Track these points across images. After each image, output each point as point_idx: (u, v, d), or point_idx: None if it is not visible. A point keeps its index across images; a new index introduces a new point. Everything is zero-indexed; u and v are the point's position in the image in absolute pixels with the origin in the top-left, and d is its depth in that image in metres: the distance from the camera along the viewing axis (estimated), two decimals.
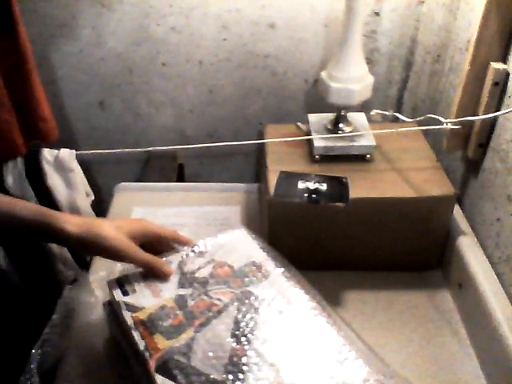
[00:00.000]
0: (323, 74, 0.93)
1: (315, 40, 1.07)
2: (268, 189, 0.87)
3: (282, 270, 0.67)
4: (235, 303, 0.60)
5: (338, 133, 0.96)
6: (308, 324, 0.60)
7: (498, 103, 0.81)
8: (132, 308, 0.61)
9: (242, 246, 0.71)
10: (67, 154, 1.03)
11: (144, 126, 1.19)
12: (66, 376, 0.70)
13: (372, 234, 0.90)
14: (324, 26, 1.05)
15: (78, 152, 1.05)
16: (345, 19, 0.85)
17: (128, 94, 1.14)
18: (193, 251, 0.70)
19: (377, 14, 1.03)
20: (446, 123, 0.87)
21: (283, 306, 0.61)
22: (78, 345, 0.73)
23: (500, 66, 0.79)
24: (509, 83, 0.79)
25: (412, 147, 0.98)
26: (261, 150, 1.05)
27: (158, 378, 0.52)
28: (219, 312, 0.59)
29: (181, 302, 0.61)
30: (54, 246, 1.03)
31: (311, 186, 0.87)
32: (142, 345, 0.56)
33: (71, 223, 0.61)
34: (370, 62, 1.08)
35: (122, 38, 1.06)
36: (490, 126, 0.84)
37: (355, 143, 0.94)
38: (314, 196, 0.85)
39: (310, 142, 0.97)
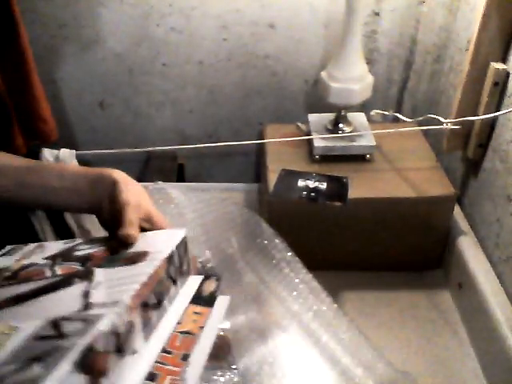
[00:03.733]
0: (323, 74, 0.93)
1: (315, 40, 1.07)
2: (268, 188, 0.87)
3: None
4: (76, 279, 0.45)
5: (338, 133, 0.96)
6: None
7: (498, 103, 0.81)
8: None
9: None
10: (67, 154, 1.03)
11: (144, 125, 1.19)
12: None
13: (372, 234, 0.90)
14: (324, 26, 1.05)
15: (78, 152, 1.05)
16: (345, 19, 0.85)
17: (128, 93, 1.14)
18: None
19: (377, 14, 1.03)
20: (446, 123, 0.87)
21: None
22: None
23: (500, 66, 0.79)
24: (509, 83, 0.79)
25: (412, 147, 0.98)
26: (261, 150, 1.05)
27: None
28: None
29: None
30: None
31: (311, 184, 0.87)
32: None
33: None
34: (369, 62, 1.08)
35: (122, 38, 1.06)
36: (490, 126, 0.84)
37: (355, 143, 0.94)
38: (312, 194, 0.85)
39: (310, 141, 0.97)
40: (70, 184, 0.55)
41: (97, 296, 0.40)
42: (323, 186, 0.86)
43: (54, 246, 0.54)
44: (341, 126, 0.96)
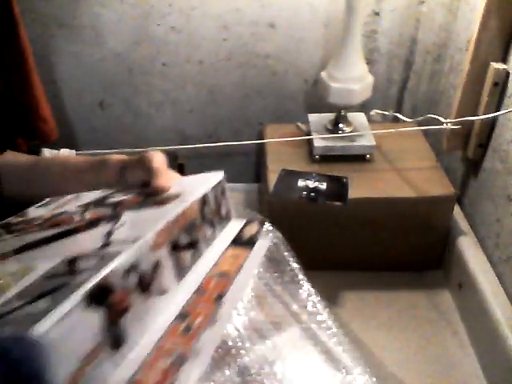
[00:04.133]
0: (323, 74, 0.93)
1: (315, 40, 1.07)
2: (268, 188, 0.87)
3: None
4: (102, 221, 0.44)
5: (338, 133, 0.96)
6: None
7: (498, 103, 0.81)
8: None
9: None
10: (67, 154, 1.03)
11: (144, 125, 1.19)
12: None
13: (372, 234, 0.90)
14: (324, 26, 1.05)
15: (78, 152, 1.05)
16: (345, 19, 0.85)
17: (128, 93, 1.14)
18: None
19: (377, 13, 1.03)
20: (446, 123, 0.87)
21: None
22: None
23: (500, 65, 0.79)
24: (509, 83, 0.79)
25: (412, 147, 0.98)
26: (261, 150, 1.05)
27: None
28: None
29: None
30: None
31: (311, 184, 0.87)
32: None
33: None
34: (370, 61, 1.08)
35: (121, 38, 1.06)
36: (490, 126, 0.84)
37: (355, 143, 0.94)
38: (312, 194, 0.85)
39: (310, 141, 0.97)
40: (72, 172, 0.55)
41: (119, 234, 0.39)
42: (323, 186, 0.86)
43: (90, 195, 0.53)
44: (341, 125, 0.96)
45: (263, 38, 1.06)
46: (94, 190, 0.54)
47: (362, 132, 0.95)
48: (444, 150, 0.92)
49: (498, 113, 0.78)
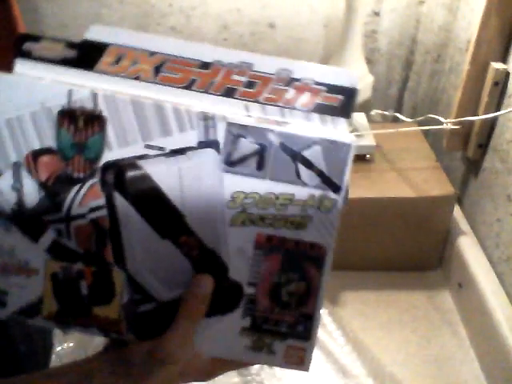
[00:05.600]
0: None
1: (315, 40, 1.07)
2: None
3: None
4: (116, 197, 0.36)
5: None
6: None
7: (498, 103, 0.81)
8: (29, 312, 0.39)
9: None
10: None
11: None
12: None
13: (372, 233, 0.90)
14: (324, 26, 1.05)
15: None
16: (345, 19, 0.85)
17: None
18: None
19: (377, 13, 1.03)
20: (446, 123, 0.87)
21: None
22: (78, 345, 0.73)
23: (500, 65, 0.79)
24: (509, 83, 0.79)
25: (412, 147, 0.98)
26: None
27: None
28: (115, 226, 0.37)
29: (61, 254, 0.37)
30: None
31: None
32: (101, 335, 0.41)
33: None
34: (370, 61, 1.08)
35: None
36: (490, 126, 0.84)
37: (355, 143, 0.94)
38: None
39: None
40: None
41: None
42: None
43: None
44: None
45: (263, 38, 1.06)
46: None
47: (362, 132, 0.95)
48: (445, 148, 0.92)
49: (498, 113, 0.78)
